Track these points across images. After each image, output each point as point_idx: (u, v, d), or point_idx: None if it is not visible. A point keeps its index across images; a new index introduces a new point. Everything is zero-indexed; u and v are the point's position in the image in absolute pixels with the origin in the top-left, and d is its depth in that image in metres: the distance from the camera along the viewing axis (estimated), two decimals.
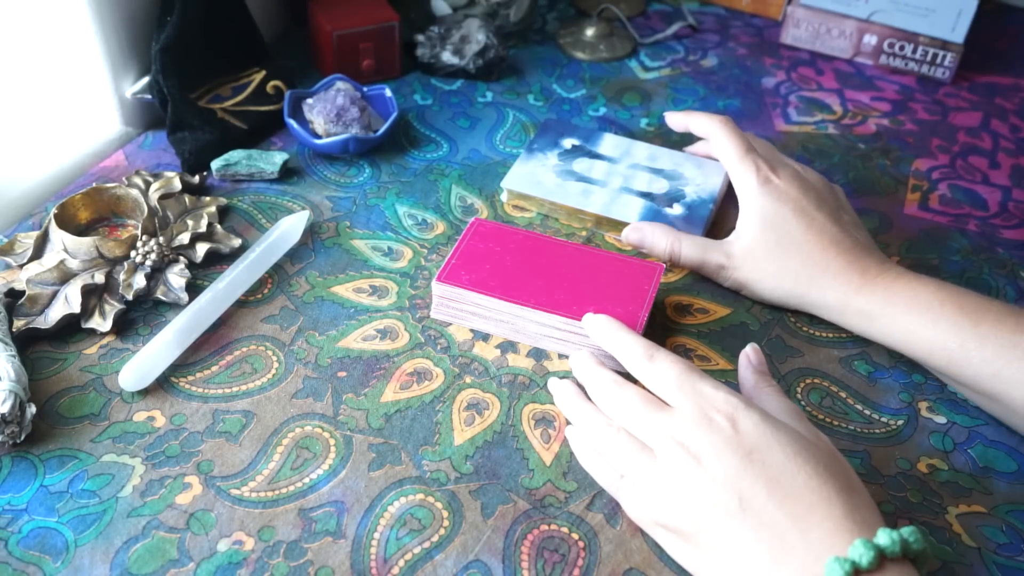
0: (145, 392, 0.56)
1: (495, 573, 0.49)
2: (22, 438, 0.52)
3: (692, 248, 0.65)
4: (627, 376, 0.53)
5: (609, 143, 0.76)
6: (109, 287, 0.61)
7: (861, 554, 0.41)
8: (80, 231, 0.66)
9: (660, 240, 0.66)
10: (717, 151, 0.67)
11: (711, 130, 0.67)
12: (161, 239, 0.63)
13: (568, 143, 0.75)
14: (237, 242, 0.66)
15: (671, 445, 0.47)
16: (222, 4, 0.77)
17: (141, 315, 0.61)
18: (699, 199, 0.70)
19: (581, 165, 0.73)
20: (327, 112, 0.74)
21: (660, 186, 0.72)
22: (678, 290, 0.66)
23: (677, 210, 0.70)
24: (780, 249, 0.62)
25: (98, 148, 0.75)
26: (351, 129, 0.75)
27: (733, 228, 0.65)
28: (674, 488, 0.46)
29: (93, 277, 0.60)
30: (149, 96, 0.74)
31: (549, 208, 0.71)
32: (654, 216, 0.69)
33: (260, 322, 0.61)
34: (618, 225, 0.69)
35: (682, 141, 0.79)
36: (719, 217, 0.72)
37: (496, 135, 0.80)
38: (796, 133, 0.83)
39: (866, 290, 0.60)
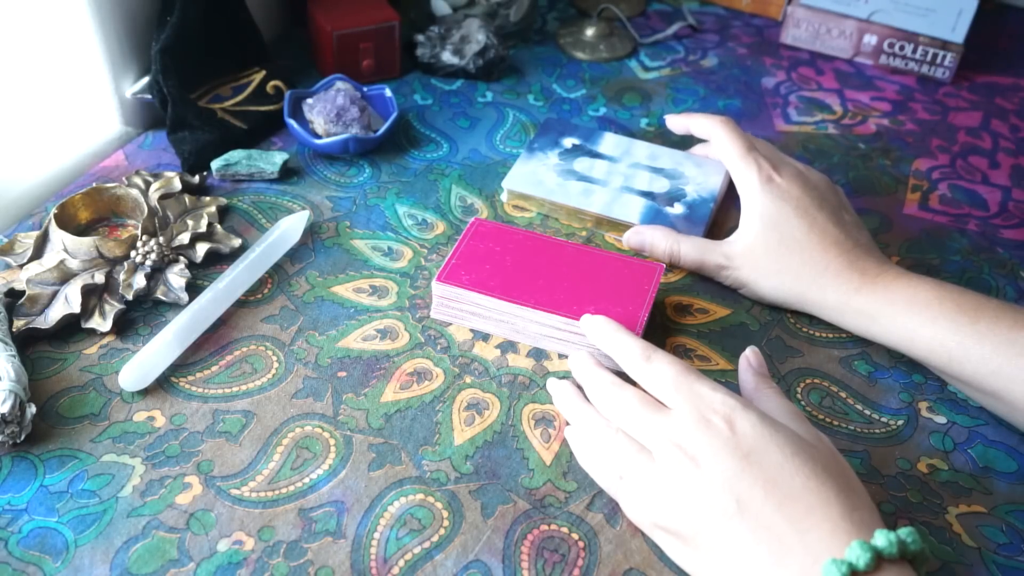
0: (145, 392, 0.56)
1: (495, 573, 0.49)
2: (22, 438, 0.52)
3: (691, 250, 0.65)
4: (626, 377, 0.53)
5: (609, 142, 0.76)
6: (109, 287, 0.61)
7: (858, 556, 0.41)
8: (80, 231, 0.66)
9: (660, 243, 0.66)
10: (719, 151, 0.67)
11: (712, 131, 0.68)
12: (161, 239, 0.63)
13: (568, 142, 0.75)
14: (237, 242, 0.66)
15: (668, 447, 0.47)
16: (222, 4, 0.77)
17: (141, 315, 0.61)
18: (700, 198, 0.70)
19: (582, 164, 0.73)
20: (327, 112, 0.74)
21: (661, 185, 0.72)
22: (678, 290, 0.66)
23: (678, 209, 0.70)
24: (781, 248, 0.62)
25: (98, 148, 0.75)
26: (351, 129, 0.75)
27: (733, 227, 0.65)
28: (672, 490, 0.46)
29: (93, 277, 0.60)
30: (149, 96, 0.74)
31: (550, 208, 0.71)
32: (655, 215, 0.69)
33: (260, 322, 0.61)
34: (619, 225, 0.69)
35: (682, 141, 0.79)
36: (719, 216, 0.72)
37: (496, 135, 0.80)
38: (796, 133, 0.83)
39: (865, 290, 0.60)
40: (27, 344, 0.59)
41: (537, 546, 0.50)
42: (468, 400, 0.57)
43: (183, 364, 0.58)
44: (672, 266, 0.67)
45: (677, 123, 0.71)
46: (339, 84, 0.77)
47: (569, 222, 0.71)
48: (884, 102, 0.89)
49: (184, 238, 0.65)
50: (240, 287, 0.62)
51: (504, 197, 0.73)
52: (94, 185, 0.67)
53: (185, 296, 0.61)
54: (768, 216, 0.63)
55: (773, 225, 0.62)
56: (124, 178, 0.70)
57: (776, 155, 0.67)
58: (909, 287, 0.59)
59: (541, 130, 0.77)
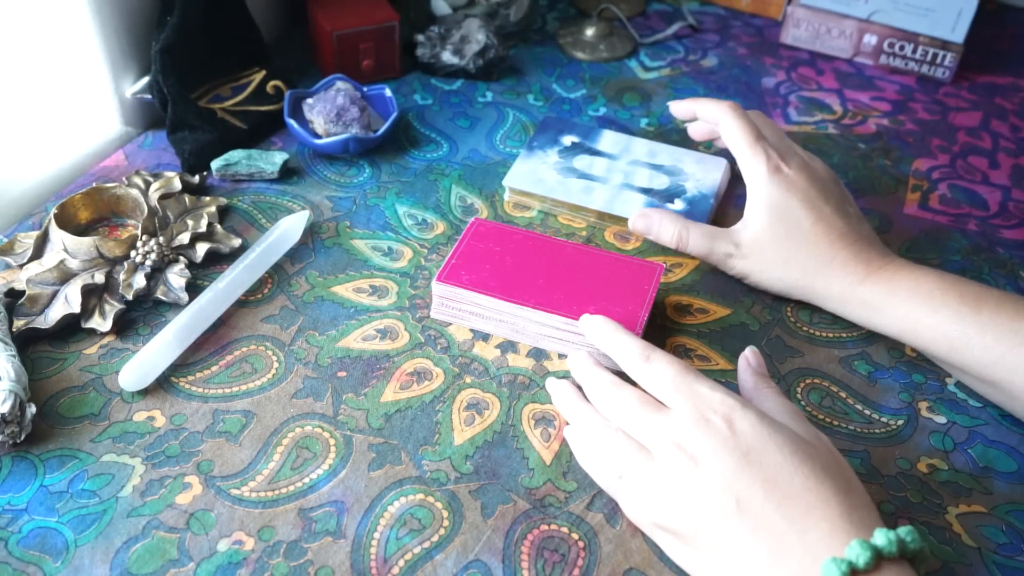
0: (145, 392, 0.56)
1: (495, 573, 0.49)
2: (22, 438, 0.52)
3: (700, 236, 0.65)
4: (626, 377, 0.53)
5: (608, 140, 0.76)
6: (109, 287, 0.61)
7: (858, 555, 0.41)
8: (80, 231, 0.66)
9: (667, 228, 0.66)
10: (726, 138, 0.66)
11: (719, 116, 0.67)
12: (161, 239, 0.63)
13: (568, 140, 0.75)
14: (237, 242, 0.66)
15: (668, 446, 0.47)
16: (222, 4, 0.77)
17: (141, 315, 0.61)
18: (700, 194, 0.71)
19: (582, 162, 0.73)
20: (327, 112, 0.74)
21: (661, 182, 0.72)
22: (678, 290, 0.66)
23: (678, 206, 0.70)
24: (788, 240, 0.62)
25: (98, 148, 0.75)
26: (351, 129, 0.75)
27: (734, 224, 0.65)
28: (671, 490, 0.46)
29: (93, 277, 0.60)
30: (149, 96, 0.74)
31: (551, 205, 0.71)
32: None
33: (260, 322, 0.61)
34: (620, 221, 0.70)
35: (682, 141, 0.79)
36: (719, 214, 0.72)
37: (496, 135, 0.80)
38: (796, 133, 0.83)
39: (869, 281, 0.60)
40: (27, 344, 0.59)
41: (537, 546, 0.50)
42: (468, 400, 0.57)
43: (183, 364, 0.58)
44: (677, 252, 0.67)
45: (682, 108, 0.70)
46: (339, 84, 0.77)
47: (570, 220, 0.71)
48: (884, 102, 0.89)
49: (184, 238, 0.65)
50: (240, 287, 0.62)
51: (506, 196, 0.73)
52: (94, 185, 0.67)
53: (185, 296, 0.61)
54: (775, 207, 0.63)
55: (780, 216, 0.62)
56: (124, 178, 0.70)
57: (784, 143, 0.66)
58: (911, 277, 0.59)
59: (540, 128, 0.77)
